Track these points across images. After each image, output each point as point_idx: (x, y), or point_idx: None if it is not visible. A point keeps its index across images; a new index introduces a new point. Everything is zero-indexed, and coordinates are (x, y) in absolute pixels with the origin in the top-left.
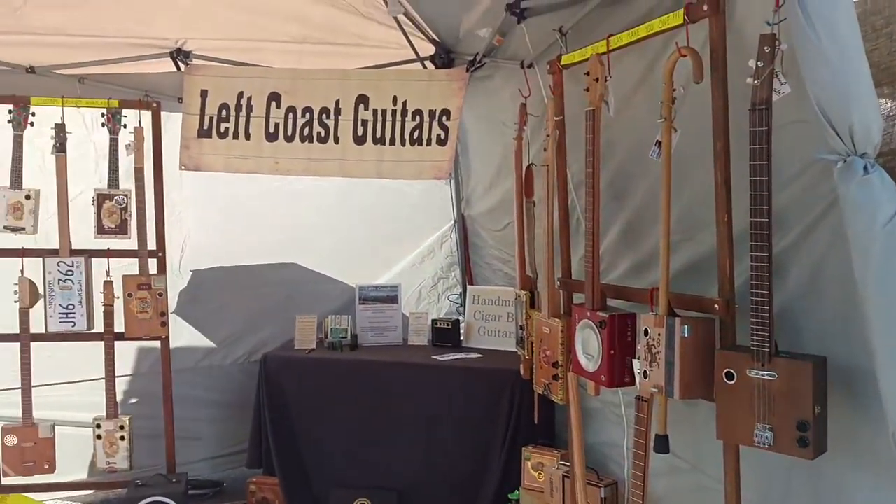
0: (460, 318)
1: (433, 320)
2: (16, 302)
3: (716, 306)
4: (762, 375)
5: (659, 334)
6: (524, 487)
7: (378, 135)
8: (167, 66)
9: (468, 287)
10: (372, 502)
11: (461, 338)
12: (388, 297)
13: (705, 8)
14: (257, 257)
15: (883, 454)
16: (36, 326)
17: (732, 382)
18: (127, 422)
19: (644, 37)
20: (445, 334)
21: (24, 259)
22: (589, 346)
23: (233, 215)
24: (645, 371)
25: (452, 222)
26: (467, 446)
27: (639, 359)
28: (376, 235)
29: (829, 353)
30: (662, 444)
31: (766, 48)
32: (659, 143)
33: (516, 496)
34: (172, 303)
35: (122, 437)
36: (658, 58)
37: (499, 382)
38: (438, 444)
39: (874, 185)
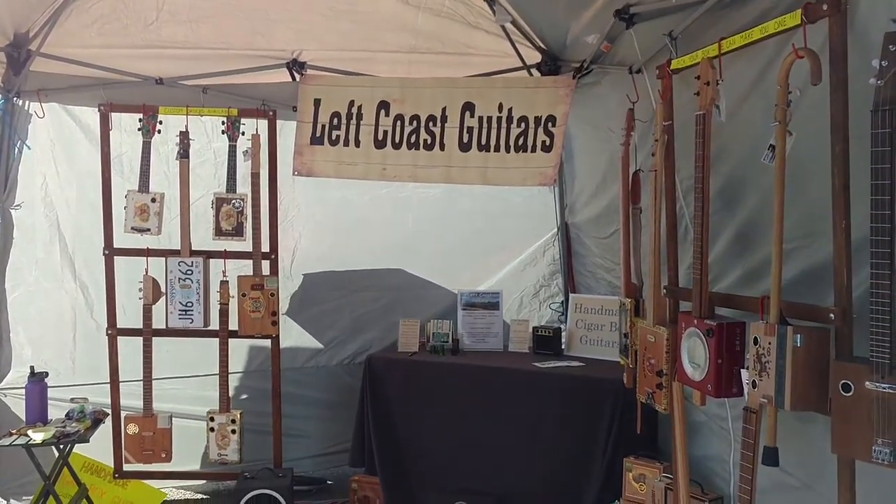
0: (562, 326)
1: (534, 327)
2: (140, 299)
3: (831, 315)
4: (882, 388)
5: (770, 343)
6: (625, 499)
7: (483, 142)
8: (283, 76)
9: (571, 295)
10: None
11: (563, 346)
12: (490, 303)
13: (825, 7)
14: (364, 262)
15: None
16: (157, 322)
17: (849, 395)
18: (238, 416)
19: (758, 39)
20: (547, 342)
21: (149, 259)
22: (695, 355)
23: (342, 221)
24: (754, 381)
25: (556, 230)
26: (567, 454)
27: (748, 368)
28: (479, 242)
29: None
30: (772, 457)
31: (891, 47)
32: (772, 147)
33: None
34: (283, 305)
35: (234, 431)
36: (772, 61)
37: (601, 391)
38: (538, 450)
39: None
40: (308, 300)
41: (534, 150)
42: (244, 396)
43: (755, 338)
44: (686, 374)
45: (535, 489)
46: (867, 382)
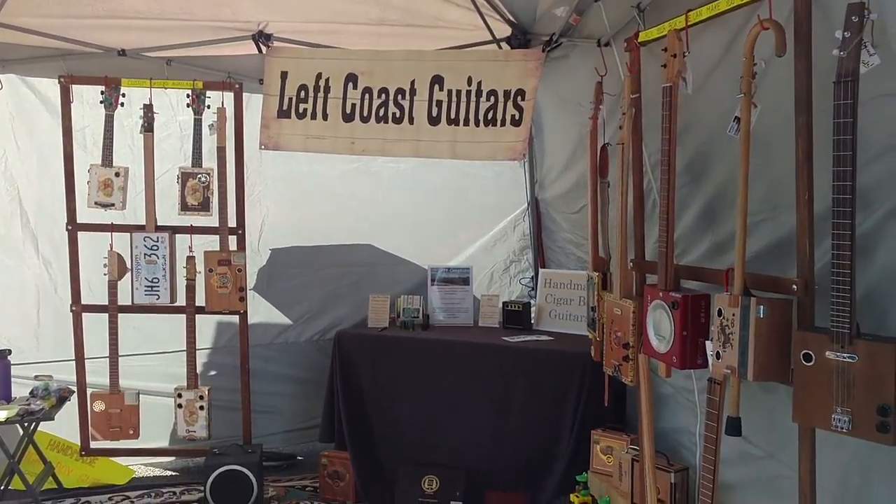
0: (532, 301)
1: (504, 302)
2: (105, 275)
3: (794, 287)
4: (842, 357)
5: (733, 315)
6: (592, 471)
7: (452, 115)
8: (249, 48)
9: (540, 270)
10: (440, 480)
11: (532, 321)
12: (460, 278)
13: None
14: (333, 238)
15: None
16: (123, 299)
17: (810, 364)
18: (206, 392)
19: (725, 11)
20: (516, 317)
21: (114, 234)
22: (661, 328)
23: (310, 196)
24: (718, 352)
25: (526, 205)
26: (536, 428)
27: (712, 340)
28: (450, 218)
29: None
30: (735, 427)
31: (854, 18)
32: (738, 120)
33: (584, 478)
34: (251, 280)
35: (202, 407)
36: (739, 33)
37: (569, 365)
38: (507, 424)
39: None
40: (276, 276)
41: (503, 124)
42: (213, 373)
43: (719, 309)
44: (652, 347)
45: (505, 462)
46: (828, 352)
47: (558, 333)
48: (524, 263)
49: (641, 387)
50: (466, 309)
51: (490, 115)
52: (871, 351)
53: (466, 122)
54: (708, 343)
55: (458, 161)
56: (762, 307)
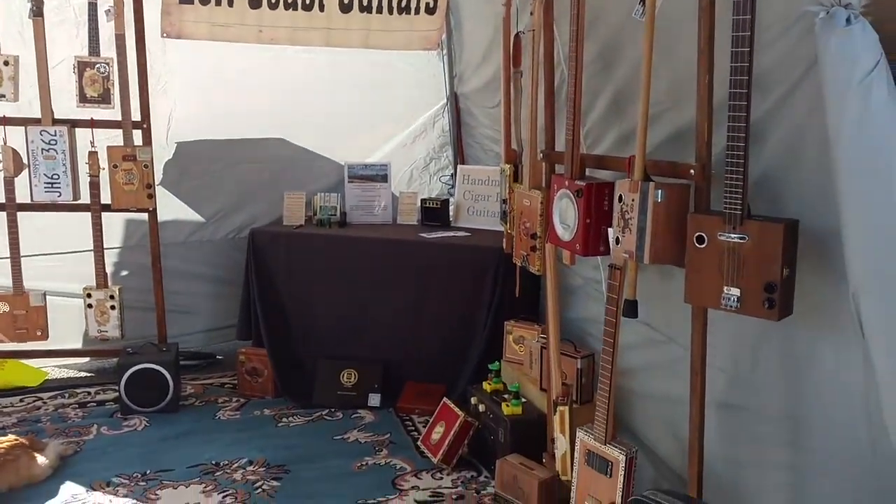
0: (450, 198)
1: (422, 199)
2: (0, 171)
3: (692, 171)
4: (733, 238)
5: (633, 200)
6: (505, 360)
7: (364, 2)
8: None
9: (459, 166)
10: (358, 373)
11: (450, 217)
12: (378, 175)
13: None
14: (246, 132)
15: (846, 316)
16: (22, 197)
17: (703, 246)
18: (117, 291)
19: None
20: (434, 213)
21: (6, 127)
22: (566, 216)
23: (220, 88)
24: (618, 237)
25: (445, 101)
26: (452, 320)
27: (613, 226)
28: (367, 113)
29: (805, 219)
30: (631, 309)
31: None
32: (643, 2)
33: (496, 366)
34: (159, 175)
35: (113, 307)
36: None
37: (484, 259)
38: (424, 317)
39: (855, 37)
40: (186, 171)
41: (417, 11)
42: (125, 273)
43: (620, 195)
44: (557, 236)
45: (422, 354)
46: (719, 234)
47: (475, 229)
48: (444, 161)
49: (548, 276)
50: (385, 206)
51: (404, 3)
52: (761, 231)
53: (380, 10)
54: (610, 230)
55: (375, 53)
56: (660, 191)
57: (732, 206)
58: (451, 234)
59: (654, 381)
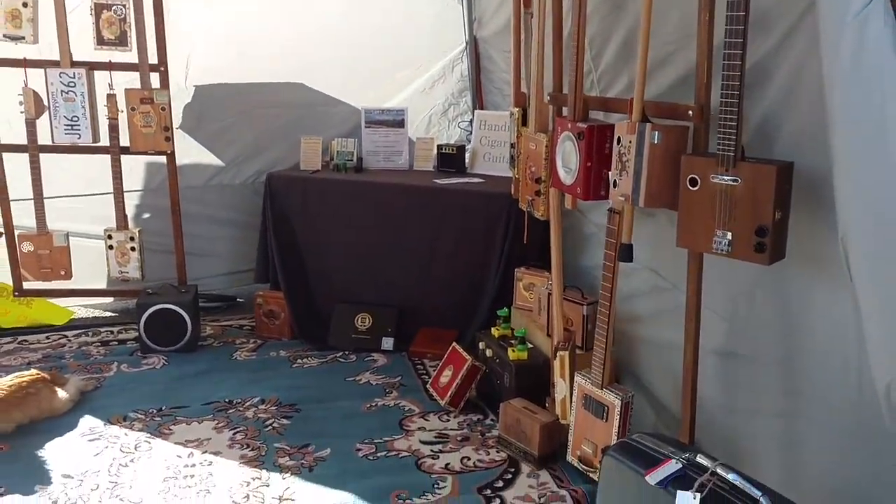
0: (467, 143)
1: (438, 145)
2: (21, 113)
3: (690, 112)
4: (725, 180)
5: (630, 142)
6: (515, 306)
7: None
8: None
9: (476, 112)
10: (373, 317)
11: (466, 163)
12: (395, 120)
13: None
14: (263, 76)
15: (837, 258)
16: (44, 139)
17: (696, 189)
18: (137, 233)
19: None
20: (450, 159)
21: (27, 70)
22: (569, 160)
23: (238, 33)
24: (615, 180)
25: (464, 45)
26: (465, 266)
27: (612, 168)
28: (386, 58)
29: (802, 163)
30: (626, 253)
31: None
32: None
33: (505, 312)
34: (178, 119)
35: (133, 248)
36: None
37: (497, 205)
38: (437, 263)
39: None
40: (205, 115)
41: None
42: (146, 216)
43: (618, 138)
44: (560, 179)
45: (435, 300)
46: (712, 176)
47: (490, 176)
48: (463, 106)
49: (552, 221)
50: (401, 152)
51: None
52: (753, 173)
53: None
54: (610, 173)
55: None
56: (657, 133)
57: (726, 148)
58: (466, 180)
59: (659, 328)
